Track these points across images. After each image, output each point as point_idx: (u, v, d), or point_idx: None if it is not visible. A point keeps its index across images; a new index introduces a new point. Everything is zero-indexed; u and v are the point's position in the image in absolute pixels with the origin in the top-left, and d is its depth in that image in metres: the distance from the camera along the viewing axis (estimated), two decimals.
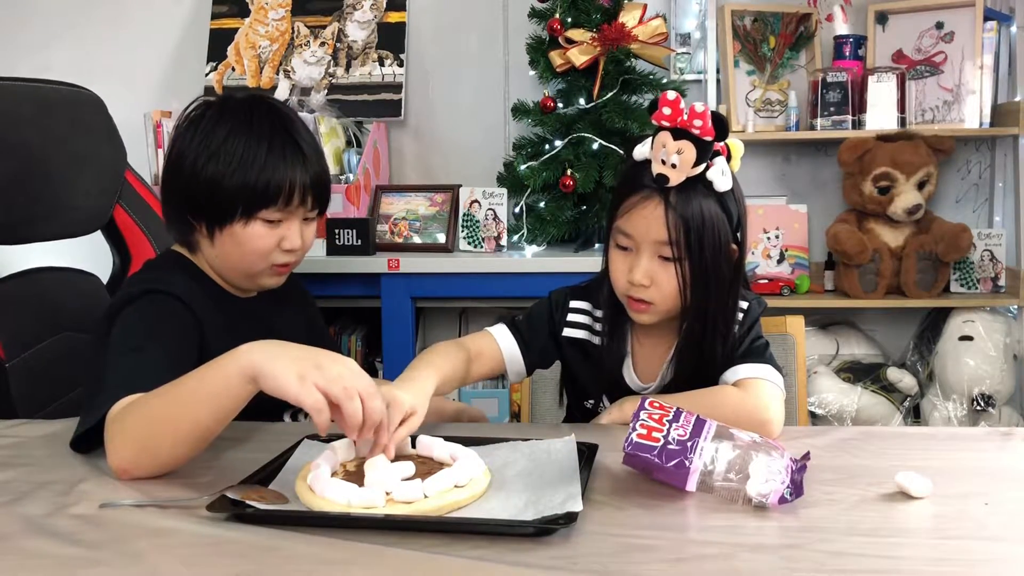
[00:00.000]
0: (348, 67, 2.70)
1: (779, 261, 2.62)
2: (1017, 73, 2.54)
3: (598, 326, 1.32)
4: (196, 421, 0.98)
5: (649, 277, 1.19)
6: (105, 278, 1.71)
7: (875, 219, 2.53)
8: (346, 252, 2.27)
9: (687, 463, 0.92)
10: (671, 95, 1.14)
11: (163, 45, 2.83)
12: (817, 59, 2.63)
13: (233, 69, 2.73)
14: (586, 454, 1.02)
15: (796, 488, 0.91)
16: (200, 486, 0.96)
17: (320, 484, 0.91)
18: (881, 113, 2.52)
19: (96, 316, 1.28)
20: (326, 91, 2.65)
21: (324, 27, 2.73)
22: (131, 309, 1.18)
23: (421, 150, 2.79)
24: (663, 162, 1.15)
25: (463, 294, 2.34)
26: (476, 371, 1.30)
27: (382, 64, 2.70)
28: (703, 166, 1.16)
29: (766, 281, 2.53)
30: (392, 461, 0.97)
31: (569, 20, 2.39)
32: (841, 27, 2.67)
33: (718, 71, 2.60)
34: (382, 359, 2.35)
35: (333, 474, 0.95)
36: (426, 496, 0.90)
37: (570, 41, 2.37)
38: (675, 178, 1.15)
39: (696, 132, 1.13)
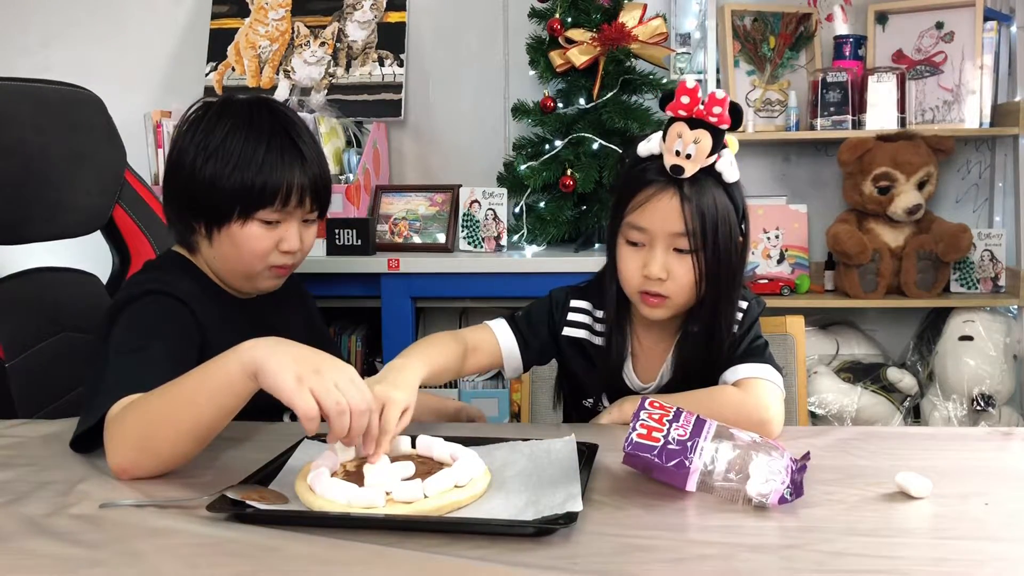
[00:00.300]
0: (348, 67, 2.70)
1: (779, 261, 2.62)
2: (1017, 73, 2.54)
3: (598, 326, 1.32)
4: (197, 419, 0.98)
5: (665, 270, 1.19)
6: (105, 278, 1.71)
7: (875, 219, 2.53)
8: (346, 252, 2.27)
9: (687, 463, 0.92)
10: (690, 83, 1.13)
11: (163, 45, 2.83)
12: (817, 59, 2.63)
13: (233, 69, 2.73)
14: (586, 454, 1.02)
15: (796, 488, 0.91)
16: (200, 486, 0.96)
17: (320, 484, 0.91)
18: (881, 113, 2.52)
19: (96, 316, 1.28)
20: (326, 91, 2.65)
21: (324, 27, 2.73)
22: (131, 309, 1.18)
23: (421, 150, 2.79)
24: (677, 153, 1.15)
25: (463, 294, 2.34)
26: (472, 364, 1.29)
27: (382, 64, 2.70)
28: (715, 156, 1.16)
29: (766, 281, 2.53)
30: (392, 461, 0.97)
31: (569, 20, 2.39)
32: (841, 27, 2.67)
33: (718, 71, 2.60)
34: (382, 359, 2.35)
35: (333, 474, 0.95)
36: (426, 496, 0.90)
37: (570, 41, 2.37)
38: (689, 169, 1.15)
39: (713, 120, 1.13)
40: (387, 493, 0.91)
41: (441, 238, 2.43)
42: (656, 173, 1.18)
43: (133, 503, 0.92)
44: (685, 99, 1.14)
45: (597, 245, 2.41)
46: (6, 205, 1.47)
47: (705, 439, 0.94)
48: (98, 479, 1.00)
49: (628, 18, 2.36)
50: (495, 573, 0.77)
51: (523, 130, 2.53)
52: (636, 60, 2.44)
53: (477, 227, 2.36)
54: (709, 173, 1.17)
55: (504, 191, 2.38)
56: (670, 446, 0.93)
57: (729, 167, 1.18)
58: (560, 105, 2.43)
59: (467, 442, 1.04)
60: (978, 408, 2.47)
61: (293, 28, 2.73)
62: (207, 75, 2.73)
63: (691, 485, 0.93)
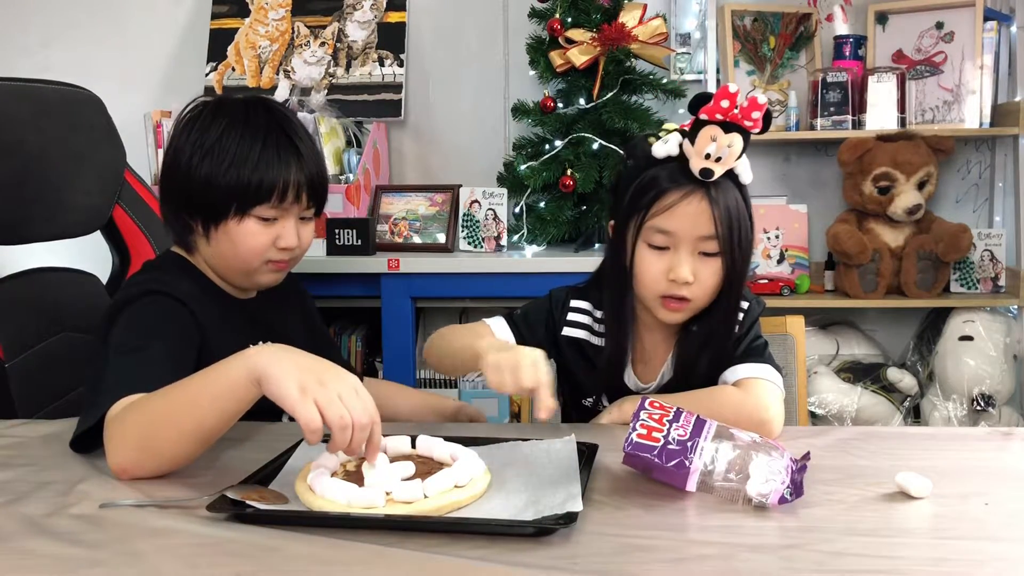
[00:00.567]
0: (348, 67, 2.70)
1: (779, 261, 2.62)
2: (1017, 73, 2.54)
3: (598, 326, 1.32)
4: (199, 422, 0.98)
5: (693, 274, 1.19)
6: (105, 278, 1.71)
7: (875, 219, 2.53)
8: (346, 252, 2.27)
9: (687, 463, 0.92)
10: (732, 88, 1.12)
11: (163, 45, 2.83)
12: (817, 59, 2.63)
13: (233, 69, 2.73)
14: (586, 454, 1.02)
15: (796, 488, 0.91)
16: (200, 486, 0.96)
17: (320, 484, 0.91)
18: (881, 113, 2.52)
19: (96, 316, 1.28)
20: (326, 91, 2.65)
21: (324, 27, 2.73)
22: (131, 310, 1.18)
23: (421, 150, 2.79)
24: (707, 156, 1.14)
25: (463, 294, 2.34)
26: None
27: (382, 64, 2.70)
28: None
29: (766, 281, 2.53)
30: (392, 461, 0.97)
31: (569, 20, 2.39)
32: (841, 27, 2.67)
33: (718, 71, 2.60)
34: (382, 359, 2.35)
35: (333, 474, 0.95)
36: (426, 496, 0.90)
37: (570, 41, 2.37)
38: (717, 172, 1.15)
39: (749, 124, 1.13)
40: (387, 493, 0.90)
41: (441, 238, 2.43)
42: (681, 176, 1.17)
43: (133, 503, 0.92)
44: (725, 103, 1.12)
45: (597, 245, 2.41)
46: (6, 205, 1.47)
47: (705, 439, 0.94)
48: (98, 479, 1.00)
49: (628, 18, 2.36)
50: (495, 573, 0.77)
51: (523, 130, 2.53)
52: (636, 60, 2.44)
53: (477, 227, 2.36)
54: (726, 175, 1.17)
55: (504, 191, 2.38)
56: (670, 446, 0.93)
57: (746, 169, 1.18)
58: (560, 105, 2.43)
59: (467, 442, 1.03)
60: (978, 408, 2.47)
61: (293, 28, 2.73)
62: (207, 75, 2.73)
63: (691, 485, 0.93)
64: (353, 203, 2.37)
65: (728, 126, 1.13)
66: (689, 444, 0.93)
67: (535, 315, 1.34)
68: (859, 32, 2.64)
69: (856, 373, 2.57)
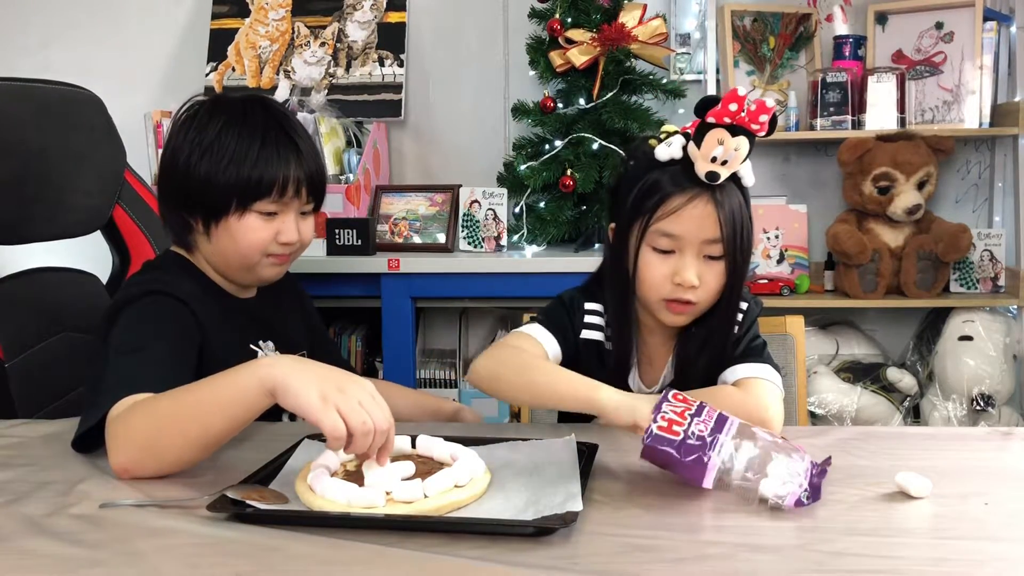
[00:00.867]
0: (348, 67, 2.70)
1: (779, 261, 2.62)
2: (1017, 73, 2.54)
3: (608, 329, 1.31)
4: (206, 427, 0.98)
5: (699, 277, 1.19)
6: (105, 278, 1.71)
7: (875, 219, 2.53)
8: (346, 252, 2.27)
9: (705, 459, 0.91)
10: (741, 91, 1.12)
11: (163, 45, 2.83)
12: (817, 59, 2.63)
13: (233, 69, 2.73)
14: (586, 454, 1.02)
15: (814, 492, 0.90)
16: (200, 486, 0.96)
17: (320, 484, 0.91)
18: (881, 113, 2.52)
19: (96, 316, 1.28)
20: (326, 91, 2.65)
21: (324, 27, 2.73)
22: (131, 310, 1.18)
23: (421, 150, 2.79)
24: (713, 159, 1.14)
25: (463, 294, 2.34)
26: None
27: (382, 64, 2.70)
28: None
29: (766, 281, 2.53)
30: (392, 461, 0.97)
31: (569, 20, 2.39)
32: (841, 27, 2.67)
33: (718, 71, 2.60)
34: (382, 359, 2.35)
35: (333, 474, 0.95)
36: (426, 496, 0.90)
37: (570, 41, 2.37)
38: (723, 175, 1.15)
39: (756, 128, 1.12)
40: (387, 493, 0.91)
41: (441, 238, 2.43)
42: (684, 179, 1.17)
43: (133, 503, 0.92)
44: (733, 106, 1.11)
45: (597, 245, 2.40)
46: (6, 205, 1.47)
47: (726, 435, 0.92)
48: (98, 479, 1.00)
49: (628, 18, 2.36)
50: (495, 573, 0.77)
51: (523, 130, 2.53)
52: (636, 60, 2.44)
53: (477, 227, 2.36)
54: (729, 177, 1.17)
55: (504, 191, 2.38)
56: (689, 441, 0.92)
57: (748, 171, 1.18)
58: (560, 105, 2.43)
59: (467, 442, 1.04)
60: (978, 408, 2.47)
61: (293, 28, 2.73)
62: (207, 75, 2.73)
63: (708, 482, 0.92)
64: (353, 203, 2.37)
65: (734, 129, 1.13)
66: (709, 440, 0.92)
67: (557, 319, 1.30)
68: (859, 32, 2.64)
69: (856, 373, 2.57)
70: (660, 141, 1.20)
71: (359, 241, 2.26)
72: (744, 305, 1.28)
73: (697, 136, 1.15)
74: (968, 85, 2.53)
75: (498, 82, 2.75)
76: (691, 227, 1.17)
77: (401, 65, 2.69)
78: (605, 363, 1.30)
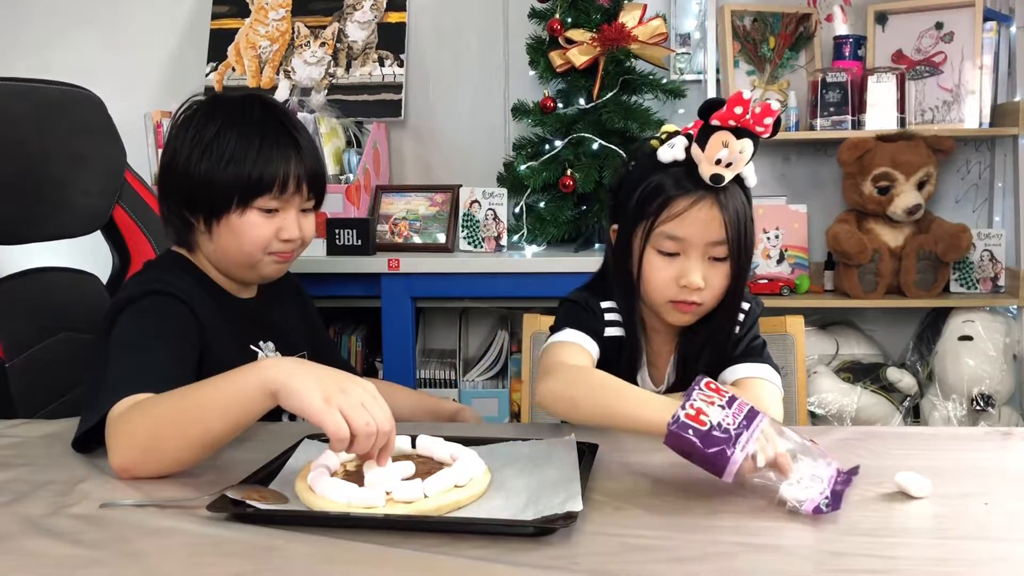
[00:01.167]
0: (348, 67, 2.70)
1: (779, 261, 2.62)
2: (1017, 73, 2.54)
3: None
4: (207, 428, 0.98)
5: (704, 279, 1.18)
6: (105, 278, 1.71)
7: (875, 219, 2.53)
8: (346, 252, 2.27)
9: (728, 452, 0.89)
10: (746, 94, 1.11)
11: (163, 45, 2.83)
12: (817, 59, 2.63)
13: (233, 69, 2.73)
14: (586, 454, 1.02)
15: (835, 500, 0.89)
16: (200, 486, 0.96)
17: (320, 484, 0.91)
18: (881, 113, 2.52)
19: (96, 316, 1.28)
20: (326, 91, 2.65)
21: (324, 27, 2.73)
22: (132, 309, 1.18)
23: (421, 150, 2.79)
24: (718, 162, 1.14)
25: (463, 294, 2.34)
26: None
27: (382, 64, 2.70)
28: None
29: (766, 281, 2.53)
30: (392, 461, 0.97)
31: (569, 20, 2.39)
32: (841, 27, 2.67)
33: (718, 71, 2.60)
34: (382, 359, 2.35)
35: (333, 474, 0.95)
36: (426, 496, 0.90)
37: (570, 41, 2.37)
38: (727, 177, 1.15)
39: (760, 130, 1.12)
40: (387, 493, 0.91)
41: (441, 238, 2.43)
42: (689, 181, 1.17)
43: (133, 503, 0.92)
44: (739, 109, 1.11)
45: (597, 245, 2.41)
46: (6, 205, 1.47)
47: (754, 432, 0.90)
48: (98, 479, 1.00)
49: (628, 18, 2.36)
50: (495, 573, 0.77)
51: (523, 130, 2.53)
52: (636, 60, 2.44)
53: (477, 227, 2.36)
54: (733, 179, 1.17)
55: (504, 191, 2.38)
56: (715, 432, 0.90)
57: (751, 173, 1.18)
58: (560, 105, 2.43)
59: (467, 442, 1.04)
60: (978, 408, 2.47)
61: (293, 28, 2.73)
62: (207, 75, 2.73)
63: (729, 476, 0.90)
64: (353, 203, 2.37)
65: (739, 131, 1.12)
66: (735, 433, 0.90)
67: (585, 320, 1.27)
68: (859, 32, 2.64)
69: (856, 373, 2.57)
70: (662, 142, 1.20)
71: (359, 241, 2.26)
72: (746, 305, 1.28)
73: (701, 138, 1.15)
74: (968, 85, 2.53)
75: (498, 82, 2.75)
76: (696, 230, 1.17)
77: (401, 65, 2.69)
78: (623, 359, 1.30)
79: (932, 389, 2.56)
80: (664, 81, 2.47)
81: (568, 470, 0.97)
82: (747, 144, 1.13)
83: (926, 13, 2.58)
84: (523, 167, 2.39)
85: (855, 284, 2.48)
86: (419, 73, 2.77)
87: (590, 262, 2.21)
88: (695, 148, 1.16)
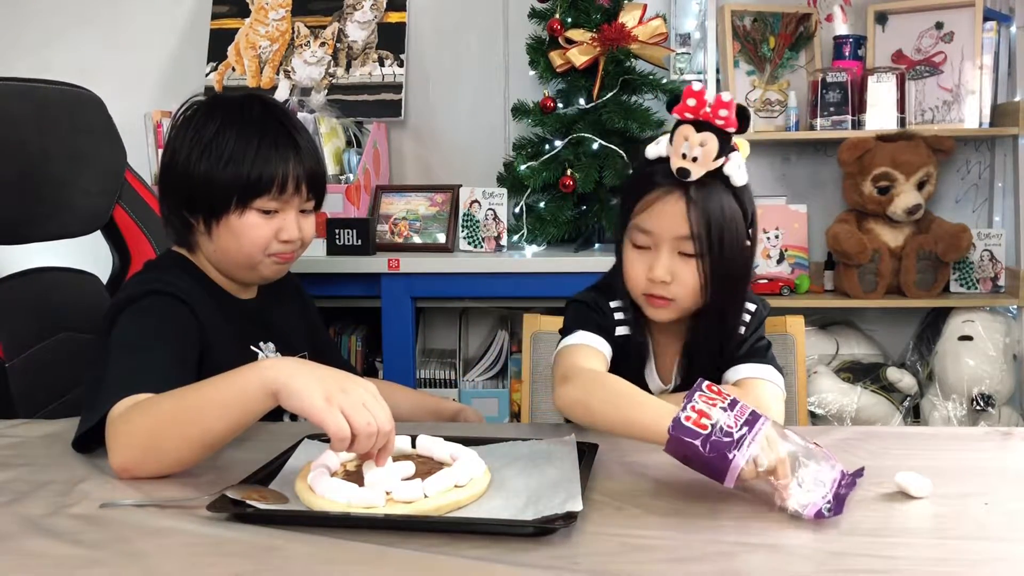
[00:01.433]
0: (348, 67, 2.70)
1: (779, 261, 2.62)
2: (1017, 73, 2.54)
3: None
4: (208, 428, 0.98)
5: (670, 273, 1.18)
6: (105, 278, 1.71)
7: (875, 219, 2.53)
8: (346, 252, 2.27)
9: (729, 456, 0.88)
10: (696, 86, 1.13)
11: (163, 45, 2.83)
12: (817, 59, 2.63)
13: (233, 69, 2.73)
14: (586, 454, 1.02)
15: (837, 504, 0.88)
16: (200, 486, 0.96)
17: (320, 484, 0.91)
18: (881, 113, 2.52)
19: (96, 316, 1.28)
20: (326, 91, 2.65)
21: (324, 27, 2.73)
22: (133, 309, 1.18)
23: (421, 150, 2.79)
24: (684, 156, 1.15)
25: (463, 294, 2.34)
26: None
27: (382, 64, 2.70)
28: (722, 160, 1.16)
29: (766, 281, 2.53)
30: (392, 461, 0.97)
31: (569, 20, 2.39)
32: (841, 27, 2.66)
33: (718, 71, 2.60)
34: (382, 359, 2.35)
35: (333, 474, 0.96)
36: (426, 496, 0.90)
37: (570, 41, 2.37)
38: (696, 172, 1.15)
39: (720, 123, 1.13)
40: (387, 493, 0.91)
41: (441, 238, 2.43)
42: (663, 176, 1.18)
43: (133, 503, 0.92)
44: (691, 101, 1.13)
45: (597, 245, 2.41)
46: (6, 205, 1.47)
47: (755, 435, 0.89)
48: (98, 479, 1.00)
49: (628, 18, 2.36)
50: (495, 573, 0.77)
51: (523, 130, 2.53)
52: (636, 60, 2.44)
53: (477, 227, 2.37)
54: (717, 177, 1.17)
55: (504, 191, 2.38)
56: (715, 436, 0.89)
57: (737, 171, 1.18)
58: (560, 105, 2.43)
59: (467, 442, 1.04)
60: (978, 408, 2.47)
61: (293, 28, 2.73)
62: (207, 75, 2.73)
63: (730, 481, 0.89)
64: (353, 203, 2.37)
65: (702, 125, 1.14)
66: (737, 437, 0.89)
67: (596, 321, 1.27)
68: (859, 32, 2.64)
69: (856, 373, 2.57)
70: None
71: (359, 241, 2.26)
72: (752, 307, 1.28)
73: (672, 133, 1.17)
74: (968, 85, 2.53)
75: (498, 82, 2.75)
76: (662, 223, 1.18)
77: (401, 65, 2.69)
78: (630, 359, 1.30)
79: (932, 389, 2.56)
80: (664, 81, 2.47)
81: (568, 470, 0.97)
82: (708, 137, 1.13)
83: (926, 13, 2.58)
84: (523, 167, 2.39)
85: (855, 284, 2.48)
86: (419, 73, 2.77)
87: (590, 262, 2.21)
88: (669, 144, 1.17)
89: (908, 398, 2.55)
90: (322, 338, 1.56)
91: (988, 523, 0.89)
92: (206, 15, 2.78)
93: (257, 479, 0.97)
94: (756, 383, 1.22)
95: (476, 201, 2.37)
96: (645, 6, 2.39)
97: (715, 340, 1.25)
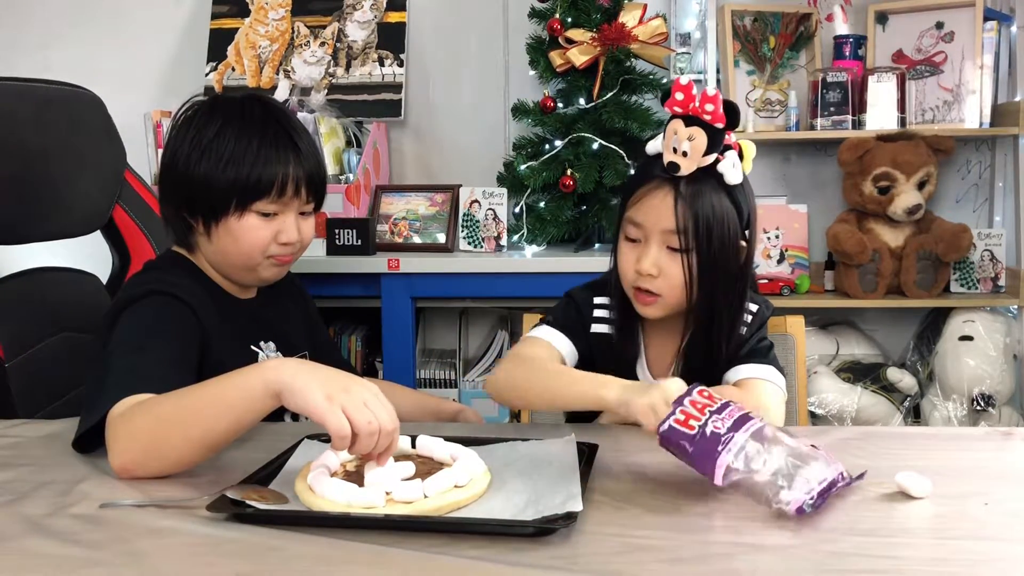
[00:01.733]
0: (348, 67, 2.70)
1: (779, 261, 2.62)
2: (1017, 73, 2.54)
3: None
4: (209, 428, 0.98)
5: (657, 267, 1.19)
6: (105, 278, 1.71)
7: (875, 219, 2.53)
8: (346, 252, 2.27)
9: (716, 457, 0.89)
10: (684, 80, 1.14)
11: (163, 45, 2.83)
12: (817, 59, 2.63)
13: (233, 69, 2.73)
14: (586, 454, 1.02)
15: (819, 499, 0.89)
16: (200, 486, 0.96)
17: (320, 484, 0.91)
18: (881, 113, 2.52)
19: (96, 316, 1.28)
20: (326, 91, 2.65)
21: (324, 27, 2.73)
22: (133, 309, 1.18)
23: (421, 150, 2.79)
24: (674, 150, 1.15)
25: (463, 294, 2.34)
26: None
27: (382, 64, 2.70)
28: (713, 156, 1.16)
29: (766, 281, 2.53)
30: (392, 460, 0.97)
31: (569, 20, 2.39)
32: (841, 27, 2.67)
33: (718, 71, 2.60)
34: (382, 359, 2.35)
35: (333, 474, 0.95)
36: (426, 496, 0.90)
37: (570, 41, 2.37)
38: (686, 167, 1.15)
39: (707, 119, 1.13)
40: (387, 493, 0.91)
41: (441, 238, 2.43)
42: (657, 170, 1.19)
43: (133, 503, 0.92)
44: (679, 95, 1.14)
45: (597, 245, 2.41)
46: (6, 205, 1.47)
47: (743, 435, 0.90)
48: (98, 479, 1.00)
49: (628, 18, 2.36)
50: (495, 573, 0.77)
51: (523, 130, 2.53)
52: (636, 60, 2.44)
53: (477, 227, 2.36)
54: (711, 174, 1.17)
55: (504, 191, 2.38)
56: (701, 439, 0.91)
57: (731, 169, 1.18)
58: (560, 105, 2.43)
59: (467, 442, 1.03)
60: (978, 408, 2.47)
61: (293, 28, 2.73)
62: (207, 75, 2.73)
63: (719, 479, 0.90)
64: (353, 203, 2.37)
65: (691, 120, 1.14)
66: (724, 438, 0.90)
67: (566, 316, 1.31)
68: (859, 32, 2.64)
69: (856, 373, 2.57)
70: None
71: (359, 241, 2.26)
72: (753, 307, 1.28)
73: (664, 128, 1.18)
74: (968, 85, 2.53)
75: (498, 82, 2.75)
76: (651, 216, 1.19)
77: (401, 65, 2.69)
78: (615, 355, 1.30)
79: (932, 389, 2.56)
80: (664, 81, 2.47)
81: (568, 470, 0.97)
82: (697, 132, 1.14)
83: (926, 13, 2.58)
84: (523, 167, 2.39)
85: (855, 284, 2.48)
86: (419, 73, 2.77)
87: (590, 262, 2.21)
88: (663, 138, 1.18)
89: (908, 398, 2.55)
90: (322, 338, 1.56)
91: (988, 523, 0.88)
92: (206, 15, 2.78)
93: (257, 479, 0.96)
94: (756, 383, 1.21)
95: (476, 201, 2.37)
96: (645, 6, 2.39)
97: (708, 339, 1.25)
